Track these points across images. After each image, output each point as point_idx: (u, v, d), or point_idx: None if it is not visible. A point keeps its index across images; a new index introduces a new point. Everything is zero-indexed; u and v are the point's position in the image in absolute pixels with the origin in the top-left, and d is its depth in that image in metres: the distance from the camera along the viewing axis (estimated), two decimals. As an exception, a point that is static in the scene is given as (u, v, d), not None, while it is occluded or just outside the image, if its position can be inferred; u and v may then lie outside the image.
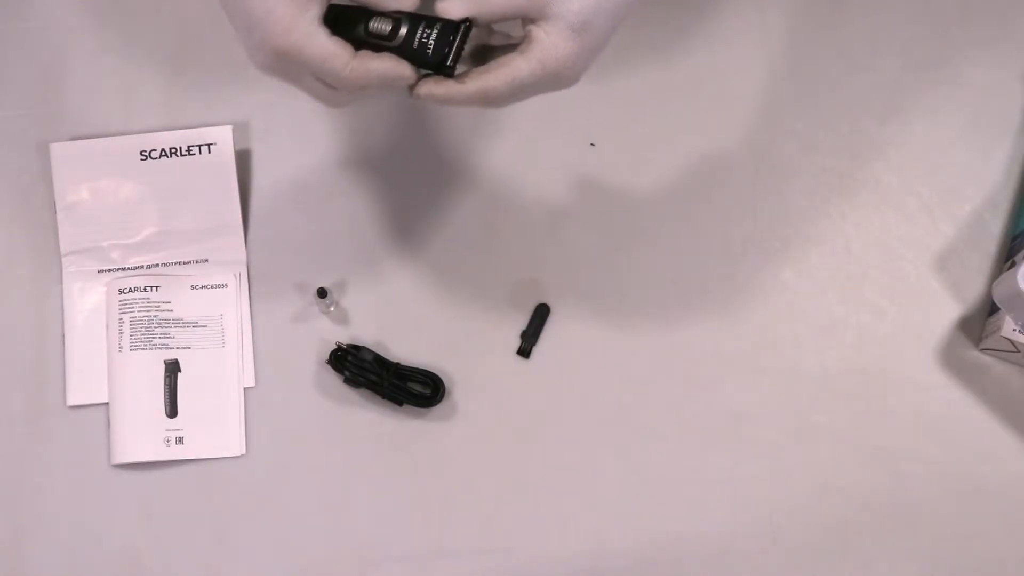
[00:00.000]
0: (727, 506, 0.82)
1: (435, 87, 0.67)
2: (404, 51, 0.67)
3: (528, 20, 0.66)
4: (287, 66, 0.66)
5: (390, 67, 0.66)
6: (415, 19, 0.67)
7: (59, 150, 0.85)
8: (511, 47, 0.68)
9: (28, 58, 0.89)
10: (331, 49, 0.65)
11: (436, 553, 0.81)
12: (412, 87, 0.68)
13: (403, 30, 0.66)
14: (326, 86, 0.67)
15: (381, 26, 0.66)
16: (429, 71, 0.68)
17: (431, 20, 0.66)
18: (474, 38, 0.68)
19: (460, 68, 0.67)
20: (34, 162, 0.86)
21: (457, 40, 0.66)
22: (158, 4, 0.90)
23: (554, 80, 0.66)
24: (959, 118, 0.88)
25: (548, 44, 0.65)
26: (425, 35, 0.66)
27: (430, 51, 0.66)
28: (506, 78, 0.66)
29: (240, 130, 0.87)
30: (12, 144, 0.87)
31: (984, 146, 0.88)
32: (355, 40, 0.67)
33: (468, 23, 0.66)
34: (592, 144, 0.87)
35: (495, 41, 0.69)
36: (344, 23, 0.67)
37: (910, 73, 0.89)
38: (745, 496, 0.82)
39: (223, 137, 0.86)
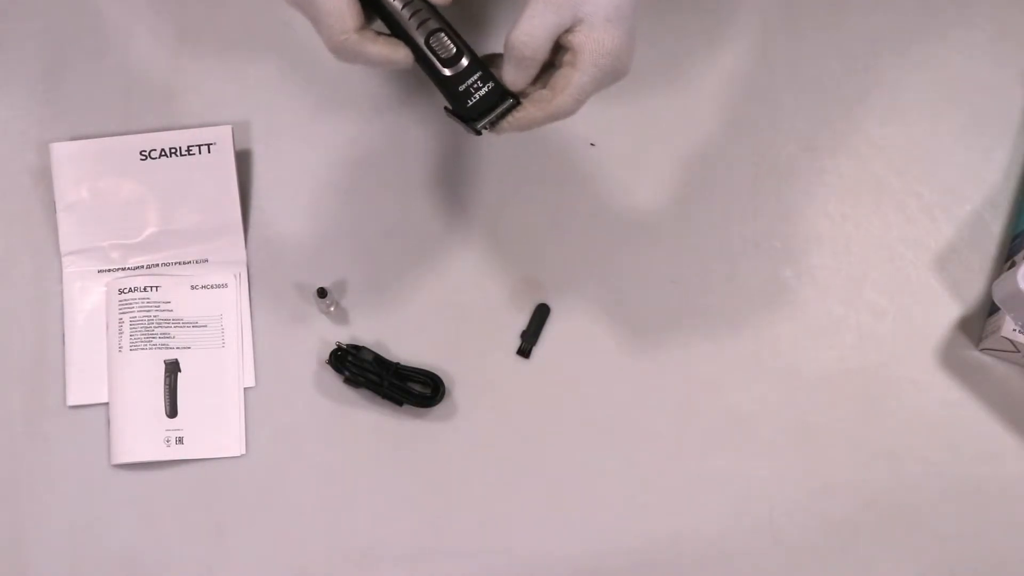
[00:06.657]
0: (727, 506, 0.82)
1: (513, 122, 0.69)
2: (445, 82, 0.68)
3: (567, 32, 0.67)
4: None
5: (385, 55, 0.66)
6: (476, 61, 0.67)
7: (59, 150, 0.85)
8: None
9: (28, 58, 0.89)
10: (340, 8, 0.63)
11: (436, 553, 0.81)
12: (491, 125, 0.69)
13: (464, 62, 0.67)
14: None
15: (444, 44, 0.67)
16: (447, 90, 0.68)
17: (487, 72, 0.67)
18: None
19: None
20: (34, 162, 0.86)
21: (500, 111, 0.68)
22: (158, 5, 0.90)
23: (612, 74, 0.68)
24: (959, 118, 0.88)
25: (593, 46, 0.66)
26: (475, 85, 0.68)
27: (471, 103, 0.68)
28: (572, 96, 0.67)
29: (240, 130, 0.87)
30: (12, 144, 0.87)
31: (984, 146, 0.88)
32: (390, 20, 0.66)
33: (517, 101, 0.68)
34: (592, 144, 0.87)
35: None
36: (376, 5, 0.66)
37: (910, 73, 0.89)
38: (745, 496, 0.82)
39: (223, 137, 0.86)
